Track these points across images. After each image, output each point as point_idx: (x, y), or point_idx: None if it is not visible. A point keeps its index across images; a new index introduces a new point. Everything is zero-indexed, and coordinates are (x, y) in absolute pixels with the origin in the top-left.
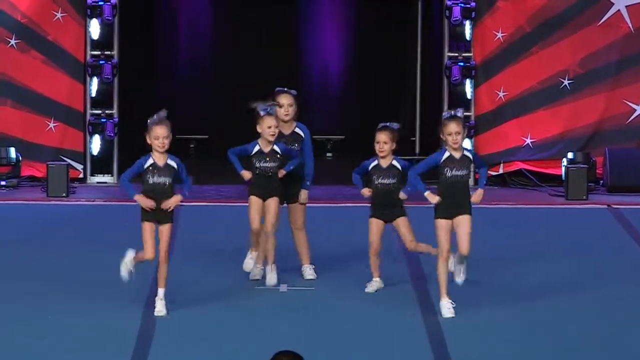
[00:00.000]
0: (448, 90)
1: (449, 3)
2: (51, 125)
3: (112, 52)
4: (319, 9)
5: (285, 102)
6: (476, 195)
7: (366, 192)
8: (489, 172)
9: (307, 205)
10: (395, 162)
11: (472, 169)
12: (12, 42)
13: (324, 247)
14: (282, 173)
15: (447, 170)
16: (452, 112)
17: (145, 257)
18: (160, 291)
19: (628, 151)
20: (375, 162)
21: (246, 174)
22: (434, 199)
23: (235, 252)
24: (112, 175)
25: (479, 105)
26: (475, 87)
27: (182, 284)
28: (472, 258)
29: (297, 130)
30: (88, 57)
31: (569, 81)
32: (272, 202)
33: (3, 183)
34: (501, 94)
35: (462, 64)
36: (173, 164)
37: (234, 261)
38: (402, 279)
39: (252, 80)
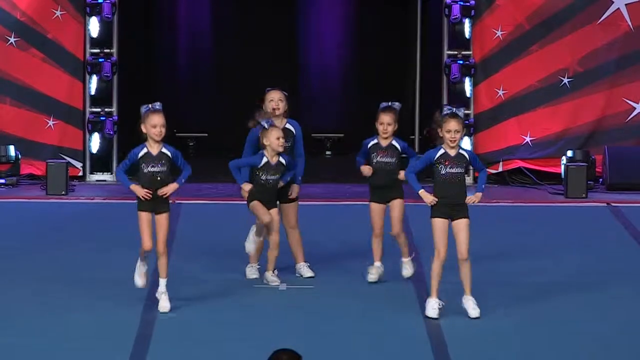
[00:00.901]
0: (447, 89)
1: (448, 1)
2: (50, 123)
3: (112, 50)
4: (318, 8)
5: (276, 97)
6: (473, 197)
7: (366, 169)
8: (488, 170)
9: (306, 203)
10: (395, 142)
11: (468, 168)
12: (12, 40)
13: (323, 245)
14: (296, 189)
15: (441, 168)
16: (454, 109)
17: (143, 247)
18: (162, 282)
19: (627, 149)
20: (375, 141)
21: (246, 188)
22: (427, 198)
23: (234, 250)
24: (111, 174)
25: (479, 103)
26: (474, 85)
27: (182, 282)
28: (472, 256)
29: (288, 126)
30: (87, 55)
31: (569, 79)
32: (273, 213)
33: (2, 181)
34: (501, 92)
35: (461, 62)
36: (167, 152)
37: (233, 259)
38: (402, 278)
39: (252, 79)
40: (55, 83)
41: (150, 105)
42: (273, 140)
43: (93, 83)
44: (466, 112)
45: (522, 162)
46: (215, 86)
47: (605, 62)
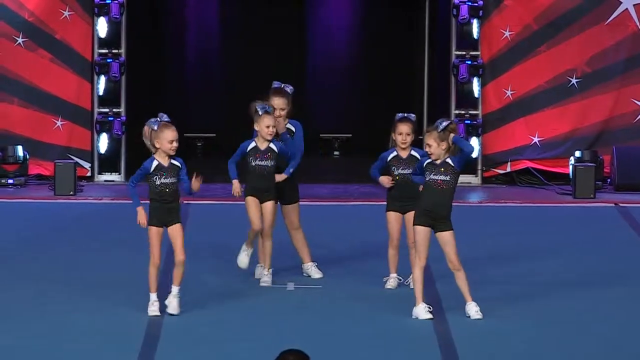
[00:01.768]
0: (455, 89)
1: (456, 1)
2: (59, 123)
3: (120, 51)
4: (326, 8)
5: (277, 107)
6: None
7: (385, 180)
8: (495, 170)
9: (313, 203)
10: (414, 152)
11: (457, 179)
12: (20, 40)
13: (331, 246)
14: (282, 177)
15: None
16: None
17: (151, 261)
18: (175, 289)
19: (636, 150)
20: (395, 153)
21: (236, 185)
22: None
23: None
24: (119, 174)
25: (487, 103)
26: (482, 85)
27: (190, 283)
28: (479, 256)
29: (289, 126)
30: (95, 56)
31: (577, 80)
32: (269, 206)
33: (11, 181)
34: (509, 93)
35: (469, 62)
36: (177, 163)
37: None
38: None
39: (259, 78)
40: (63, 83)
41: (158, 119)
42: (263, 127)
43: (101, 83)
44: (474, 112)
45: (530, 162)
46: (224, 86)
47: (613, 63)
